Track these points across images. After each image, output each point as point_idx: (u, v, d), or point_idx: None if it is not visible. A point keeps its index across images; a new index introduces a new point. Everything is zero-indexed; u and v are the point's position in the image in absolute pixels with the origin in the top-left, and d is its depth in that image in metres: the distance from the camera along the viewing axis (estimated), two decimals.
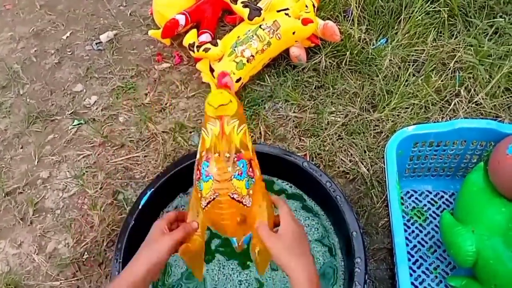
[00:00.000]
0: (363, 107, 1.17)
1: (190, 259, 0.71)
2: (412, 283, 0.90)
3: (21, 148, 1.21)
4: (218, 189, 0.66)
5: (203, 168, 0.67)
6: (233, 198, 0.66)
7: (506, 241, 0.75)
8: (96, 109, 1.26)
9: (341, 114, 1.16)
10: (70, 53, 1.43)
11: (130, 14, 1.51)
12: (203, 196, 0.67)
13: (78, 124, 1.23)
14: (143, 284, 0.62)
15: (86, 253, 1.00)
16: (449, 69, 1.20)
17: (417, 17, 1.26)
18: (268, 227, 0.66)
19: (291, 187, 1.01)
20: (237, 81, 1.16)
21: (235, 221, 0.69)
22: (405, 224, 0.97)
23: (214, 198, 0.66)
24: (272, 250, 0.63)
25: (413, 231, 0.97)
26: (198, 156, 0.70)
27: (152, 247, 0.64)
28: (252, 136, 1.13)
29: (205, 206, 0.68)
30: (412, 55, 1.24)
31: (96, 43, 1.43)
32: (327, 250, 0.92)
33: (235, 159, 0.66)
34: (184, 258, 0.70)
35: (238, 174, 0.66)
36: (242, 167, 0.66)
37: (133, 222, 0.89)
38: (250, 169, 0.68)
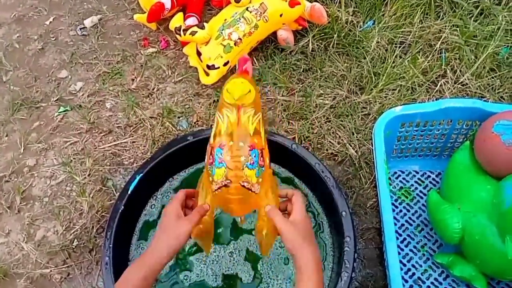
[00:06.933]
0: (350, 89, 1.17)
1: (202, 239, 0.74)
2: (400, 261, 0.91)
3: (6, 136, 1.19)
4: (230, 176, 0.68)
5: (217, 154, 0.69)
6: (243, 186, 0.68)
7: (491, 217, 0.77)
8: (82, 95, 1.24)
9: (329, 96, 1.16)
10: (53, 38, 1.40)
11: None
12: (214, 180, 0.69)
13: (64, 111, 1.21)
14: (161, 268, 0.65)
15: (76, 240, 1.00)
16: (436, 50, 1.20)
17: None
18: (280, 212, 0.68)
19: (283, 171, 1.01)
20: (225, 64, 1.15)
21: (241, 204, 0.71)
22: (393, 204, 0.98)
23: (225, 185, 0.68)
24: (286, 234, 0.64)
25: (400, 211, 0.98)
26: (211, 140, 0.71)
27: (171, 233, 0.66)
28: None
29: (215, 190, 0.69)
30: (399, 37, 1.24)
31: (80, 28, 1.40)
32: (312, 216, 0.94)
33: (249, 149, 0.68)
34: (197, 239, 0.73)
35: (250, 164, 0.68)
36: (254, 156, 0.69)
37: (123, 207, 0.89)
38: (261, 158, 0.70)
